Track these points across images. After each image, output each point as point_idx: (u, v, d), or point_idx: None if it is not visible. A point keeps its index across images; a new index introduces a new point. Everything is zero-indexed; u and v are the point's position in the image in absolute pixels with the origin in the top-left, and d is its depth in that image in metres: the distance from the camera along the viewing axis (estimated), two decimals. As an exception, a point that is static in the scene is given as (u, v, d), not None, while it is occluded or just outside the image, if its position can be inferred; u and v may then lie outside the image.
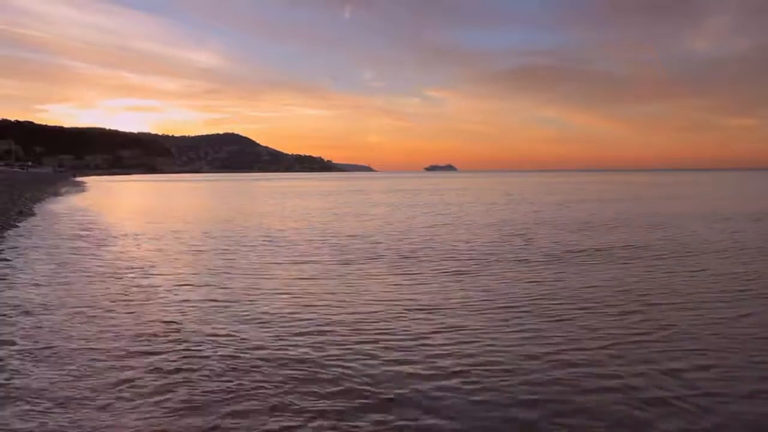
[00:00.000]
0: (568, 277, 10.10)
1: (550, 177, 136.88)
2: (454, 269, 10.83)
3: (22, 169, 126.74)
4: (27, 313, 7.23)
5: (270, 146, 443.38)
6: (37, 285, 8.88)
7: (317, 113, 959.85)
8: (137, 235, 16.46)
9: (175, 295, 8.60)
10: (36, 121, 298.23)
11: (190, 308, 7.74)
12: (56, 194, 41.67)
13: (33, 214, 21.51)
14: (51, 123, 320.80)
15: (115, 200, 40.39)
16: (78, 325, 6.75)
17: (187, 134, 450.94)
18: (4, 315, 6.99)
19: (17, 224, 16.93)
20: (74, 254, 12.35)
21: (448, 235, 16.79)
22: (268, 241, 15.31)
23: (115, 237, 15.80)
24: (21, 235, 14.01)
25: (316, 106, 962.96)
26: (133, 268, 10.92)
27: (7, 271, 9.81)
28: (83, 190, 54.34)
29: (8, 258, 11.04)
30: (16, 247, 12.33)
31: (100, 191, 55.44)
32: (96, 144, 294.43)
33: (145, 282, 9.54)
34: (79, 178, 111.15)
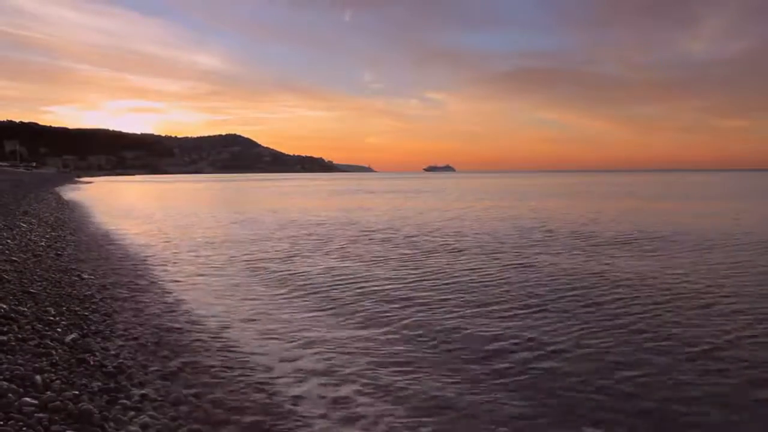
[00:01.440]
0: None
1: (549, 178, 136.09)
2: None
3: (27, 169, 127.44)
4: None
5: (271, 147, 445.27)
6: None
7: (318, 114, 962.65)
8: (223, 242, 16.10)
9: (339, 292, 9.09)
10: (41, 123, 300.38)
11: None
12: (75, 197, 41.23)
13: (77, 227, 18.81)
14: (55, 124, 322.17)
15: (145, 204, 37.85)
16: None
17: (189, 135, 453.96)
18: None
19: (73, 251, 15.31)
20: (181, 264, 12.07)
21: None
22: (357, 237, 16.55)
23: (200, 245, 15.45)
24: (100, 265, 11.58)
25: (317, 107, 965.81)
26: (273, 270, 11.21)
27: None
28: (100, 193, 53.18)
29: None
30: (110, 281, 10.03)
31: (120, 194, 54.29)
32: (100, 145, 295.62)
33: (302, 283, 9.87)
34: (84, 179, 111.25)
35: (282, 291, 9.44)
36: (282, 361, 5.87)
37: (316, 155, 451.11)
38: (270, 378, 5.38)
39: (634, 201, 34.66)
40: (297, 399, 4.88)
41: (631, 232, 16.74)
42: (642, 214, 24.48)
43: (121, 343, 6.12)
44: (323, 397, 4.93)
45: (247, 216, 24.98)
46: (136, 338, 6.41)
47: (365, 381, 5.30)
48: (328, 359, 5.93)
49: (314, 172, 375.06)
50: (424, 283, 9.85)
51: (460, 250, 13.60)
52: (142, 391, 4.74)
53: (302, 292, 9.29)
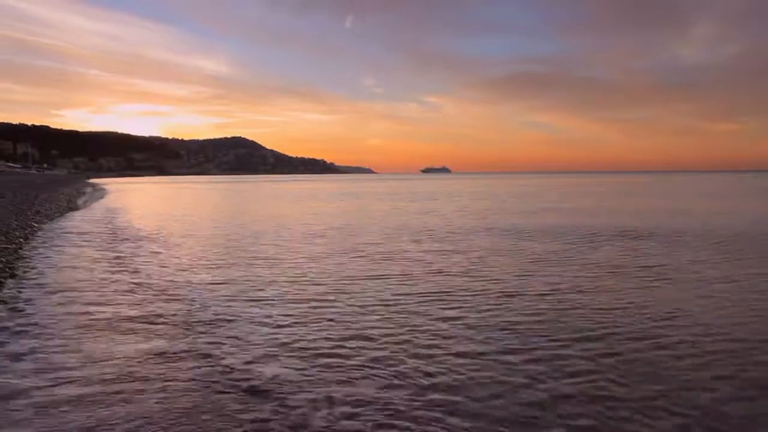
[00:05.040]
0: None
1: (548, 179, 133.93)
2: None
3: (39, 171, 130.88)
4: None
5: (275, 149, 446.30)
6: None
7: (320, 117, 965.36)
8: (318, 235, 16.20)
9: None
10: (52, 126, 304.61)
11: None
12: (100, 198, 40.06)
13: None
14: (66, 127, 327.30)
15: (185, 209, 30.85)
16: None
17: (196, 138, 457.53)
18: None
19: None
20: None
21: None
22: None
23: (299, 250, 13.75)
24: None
25: (319, 110, 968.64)
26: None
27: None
28: (120, 196, 46.68)
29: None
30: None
31: (143, 196, 47.96)
32: (109, 147, 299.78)
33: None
34: (93, 180, 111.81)
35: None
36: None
37: (318, 157, 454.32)
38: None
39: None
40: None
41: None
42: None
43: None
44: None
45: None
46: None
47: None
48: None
49: (316, 173, 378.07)
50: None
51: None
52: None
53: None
